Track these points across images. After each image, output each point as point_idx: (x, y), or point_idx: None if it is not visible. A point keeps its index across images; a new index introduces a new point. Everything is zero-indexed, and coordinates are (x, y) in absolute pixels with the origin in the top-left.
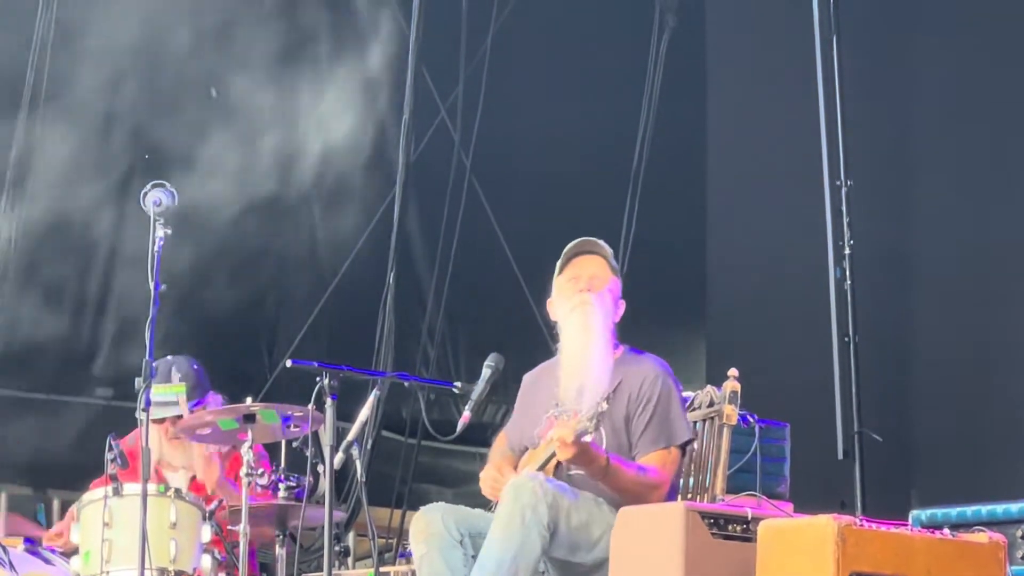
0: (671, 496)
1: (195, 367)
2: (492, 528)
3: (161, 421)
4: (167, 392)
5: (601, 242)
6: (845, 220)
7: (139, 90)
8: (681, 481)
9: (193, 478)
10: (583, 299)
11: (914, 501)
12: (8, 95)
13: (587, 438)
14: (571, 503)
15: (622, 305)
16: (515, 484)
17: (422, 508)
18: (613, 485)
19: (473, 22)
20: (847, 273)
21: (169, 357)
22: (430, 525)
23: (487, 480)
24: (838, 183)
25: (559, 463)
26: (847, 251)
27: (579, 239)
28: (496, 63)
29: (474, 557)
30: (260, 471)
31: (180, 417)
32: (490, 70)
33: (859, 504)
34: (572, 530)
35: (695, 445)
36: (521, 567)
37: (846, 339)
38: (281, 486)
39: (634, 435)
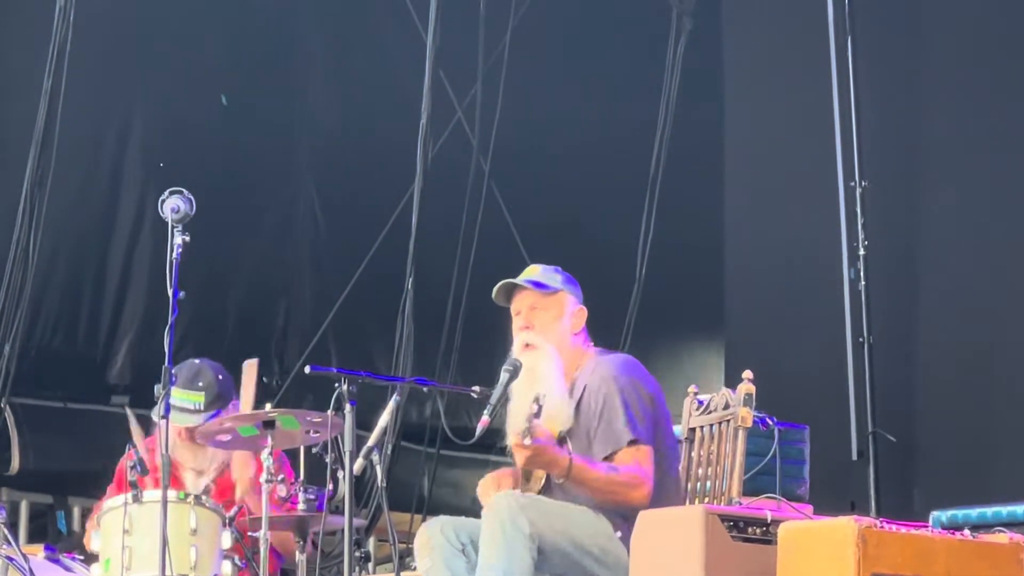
0: (692, 498)
1: (220, 376)
2: (479, 554)
3: None
4: (186, 399)
5: (520, 279)
6: (860, 221)
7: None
8: (699, 484)
9: (212, 483)
10: (523, 339)
11: (916, 502)
12: (25, 109)
13: (527, 440)
14: (551, 507)
15: (581, 312)
16: (492, 502)
17: (423, 524)
18: (583, 485)
19: (490, 24)
20: (862, 274)
21: (196, 360)
22: (432, 538)
23: (483, 485)
24: (853, 184)
25: (547, 479)
26: (862, 252)
27: (497, 284)
28: (513, 65)
29: None
30: (280, 477)
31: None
32: (507, 72)
33: (874, 505)
34: (559, 535)
35: (712, 448)
36: None
37: (860, 340)
38: (301, 498)
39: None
